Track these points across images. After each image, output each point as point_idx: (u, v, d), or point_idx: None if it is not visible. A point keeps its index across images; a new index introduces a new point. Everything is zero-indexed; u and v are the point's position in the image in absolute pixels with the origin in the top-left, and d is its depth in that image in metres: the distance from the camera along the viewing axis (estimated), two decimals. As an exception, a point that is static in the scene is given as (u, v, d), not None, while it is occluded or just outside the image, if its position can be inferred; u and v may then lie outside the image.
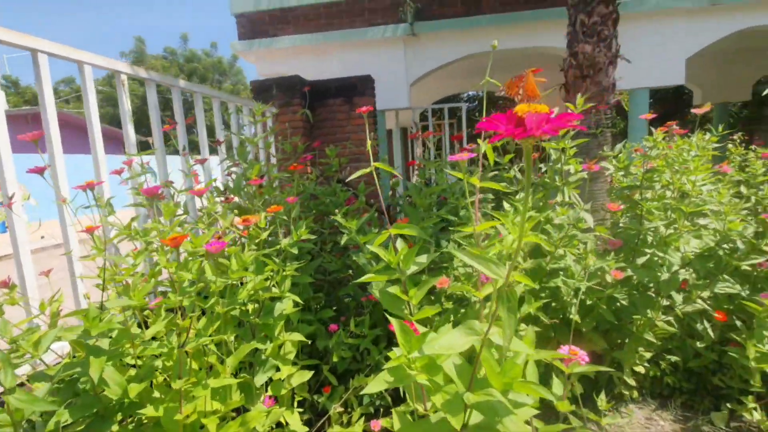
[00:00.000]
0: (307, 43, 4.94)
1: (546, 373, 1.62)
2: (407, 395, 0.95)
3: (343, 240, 1.31)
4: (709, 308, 1.68)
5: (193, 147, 2.18)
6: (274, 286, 1.30)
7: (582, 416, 1.38)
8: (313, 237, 1.34)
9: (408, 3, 4.75)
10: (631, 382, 1.85)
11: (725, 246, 1.55)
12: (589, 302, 1.68)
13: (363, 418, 1.50)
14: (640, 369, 1.85)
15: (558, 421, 1.20)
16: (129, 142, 1.76)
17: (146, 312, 1.16)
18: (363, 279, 0.93)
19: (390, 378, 0.75)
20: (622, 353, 1.80)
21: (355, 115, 3.71)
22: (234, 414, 1.16)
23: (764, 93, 2.01)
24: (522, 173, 1.86)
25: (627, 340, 1.81)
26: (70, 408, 0.90)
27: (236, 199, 1.71)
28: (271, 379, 1.37)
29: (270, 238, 1.90)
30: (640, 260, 1.70)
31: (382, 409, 1.67)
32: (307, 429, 1.28)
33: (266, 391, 1.31)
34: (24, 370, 1.16)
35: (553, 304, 1.82)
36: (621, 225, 1.89)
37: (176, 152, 2.02)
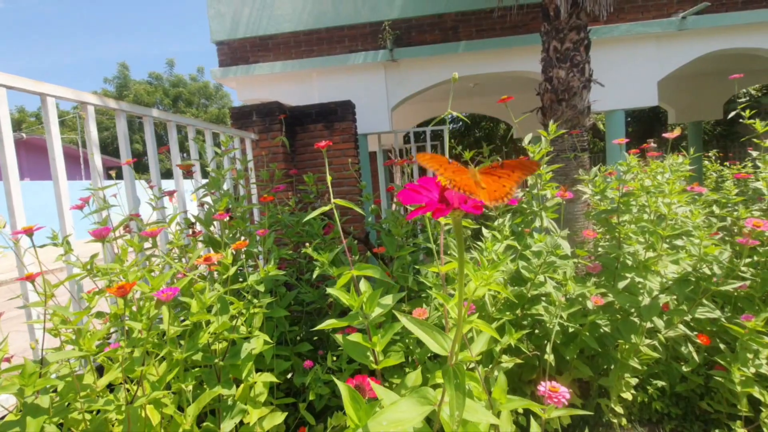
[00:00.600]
0: (288, 69, 4.98)
1: (525, 413, 1.56)
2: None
3: (315, 273, 1.26)
4: (691, 334, 1.66)
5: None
6: (242, 324, 1.24)
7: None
8: (281, 273, 1.28)
9: (387, 30, 4.85)
10: (619, 409, 1.80)
11: (703, 271, 1.54)
12: (571, 329, 1.64)
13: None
14: (628, 396, 1.81)
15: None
16: (96, 173, 1.70)
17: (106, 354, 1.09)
18: (322, 326, 0.88)
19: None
20: (608, 380, 1.76)
21: (336, 140, 3.70)
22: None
23: (730, 115, 2.05)
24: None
25: (612, 367, 1.77)
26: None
27: (207, 231, 1.65)
28: (242, 422, 1.29)
29: (248, 269, 1.83)
30: (621, 284, 1.68)
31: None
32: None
33: (236, 437, 1.23)
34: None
35: (536, 331, 1.79)
36: (600, 248, 1.88)
37: (164, 175, 1.96)
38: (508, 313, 1.58)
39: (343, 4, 5.04)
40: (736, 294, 1.75)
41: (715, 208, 2.07)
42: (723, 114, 7.98)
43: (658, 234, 1.55)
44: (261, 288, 1.19)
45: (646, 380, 1.91)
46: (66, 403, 0.88)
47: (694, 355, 1.75)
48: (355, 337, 0.84)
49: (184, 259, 1.66)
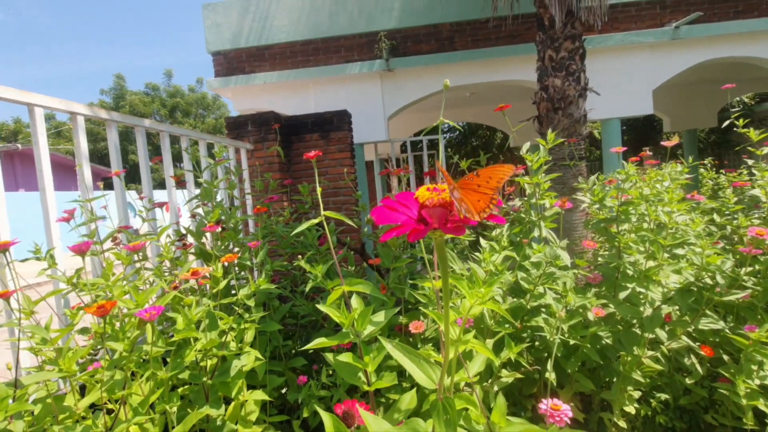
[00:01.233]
0: (284, 79, 4.98)
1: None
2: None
3: (309, 286, 1.22)
4: (694, 345, 1.62)
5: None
6: (233, 340, 1.19)
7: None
8: (273, 287, 1.24)
9: (383, 40, 4.87)
10: (622, 423, 1.76)
11: (706, 281, 1.51)
12: (572, 342, 1.60)
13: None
14: (631, 409, 1.77)
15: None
16: (84, 184, 1.66)
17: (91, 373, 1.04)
18: (311, 345, 0.84)
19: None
20: (611, 393, 1.72)
21: (333, 149, 3.68)
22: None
23: (725, 124, 2.04)
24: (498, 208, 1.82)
25: (615, 380, 1.73)
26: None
27: (198, 243, 1.61)
28: (232, 443, 1.24)
29: (242, 281, 1.79)
30: (622, 294, 1.65)
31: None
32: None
33: (225, 459, 1.18)
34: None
35: (536, 343, 1.74)
36: (600, 258, 1.85)
37: (157, 186, 1.92)
38: (507, 325, 1.54)
39: (339, 15, 5.06)
40: (738, 303, 1.72)
41: (715, 216, 2.05)
42: (717, 122, 8.04)
43: (658, 243, 1.52)
44: (251, 303, 1.15)
45: (649, 393, 1.87)
46: (42, 429, 0.83)
47: (698, 366, 1.71)
48: (345, 357, 0.80)
49: (176, 272, 1.62)
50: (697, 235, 1.62)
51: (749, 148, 2.05)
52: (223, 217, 1.59)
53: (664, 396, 1.83)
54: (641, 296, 1.64)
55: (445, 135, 15.99)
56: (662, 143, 1.61)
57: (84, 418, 0.96)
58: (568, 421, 0.94)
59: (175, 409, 0.89)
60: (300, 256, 1.35)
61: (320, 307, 0.89)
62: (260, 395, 1.23)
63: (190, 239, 1.71)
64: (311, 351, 1.96)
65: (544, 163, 1.75)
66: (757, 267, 1.73)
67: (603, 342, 1.67)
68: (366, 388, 0.77)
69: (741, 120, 2.00)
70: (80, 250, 1.04)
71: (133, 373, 1.01)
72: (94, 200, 1.41)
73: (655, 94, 4.87)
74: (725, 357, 1.68)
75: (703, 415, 1.80)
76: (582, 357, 1.66)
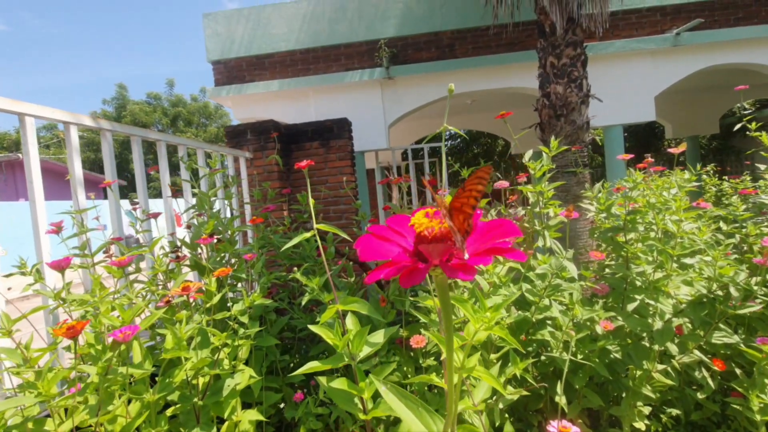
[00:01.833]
0: (284, 88, 4.97)
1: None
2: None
3: (305, 300, 1.17)
4: (706, 359, 1.56)
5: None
6: (226, 357, 1.14)
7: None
8: (267, 301, 1.20)
9: (383, 48, 4.86)
10: (632, 440, 1.69)
11: (718, 293, 1.46)
12: (580, 356, 1.54)
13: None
14: (641, 425, 1.70)
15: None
16: (75, 195, 1.62)
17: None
18: (301, 371, 0.78)
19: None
20: (620, 409, 1.65)
21: (333, 157, 3.65)
22: None
23: (736, 127, 2.00)
24: (499, 217, 1.77)
25: (624, 395, 1.67)
26: None
27: (192, 255, 1.56)
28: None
29: (238, 294, 1.74)
30: (630, 306, 1.59)
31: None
32: None
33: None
34: None
35: (542, 357, 1.69)
36: (607, 268, 1.80)
37: (158, 195, 1.89)
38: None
39: (339, 23, 5.07)
40: (749, 315, 1.67)
41: (722, 224, 2.00)
42: (719, 129, 8.00)
43: (667, 253, 1.47)
44: (245, 319, 1.10)
45: (659, 408, 1.80)
46: (19, 456, 0.78)
47: (709, 381, 1.65)
48: (339, 382, 0.74)
49: (170, 285, 1.57)
50: (708, 245, 1.57)
51: (762, 153, 2.00)
52: (219, 228, 1.55)
53: (674, 411, 1.77)
54: (650, 308, 1.59)
55: (446, 143, 16.02)
56: (669, 150, 1.57)
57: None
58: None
59: (161, 434, 0.85)
60: (296, 268, 1.30)
61: (312, 328, 0.84)
62: (255, 415, 1.18)
63: (185, 251, 1.66)
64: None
65: (547, 171, 1.71)
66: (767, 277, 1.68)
67: (611, 356, 1.61)
68: (362, 416, 0.72)
69: (753, 124, 1.96)
70: (59, 267, 1.00)
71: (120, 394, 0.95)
72: (84, 212, 1.37)
73: (657, 101, 4.85)
74: (737, 371, 1.62)
75: (716, 431, 1.73)
76: (590, 372, 1.60)
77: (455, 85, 4.89)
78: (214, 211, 1.77)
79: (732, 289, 1.38)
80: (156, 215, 1.60)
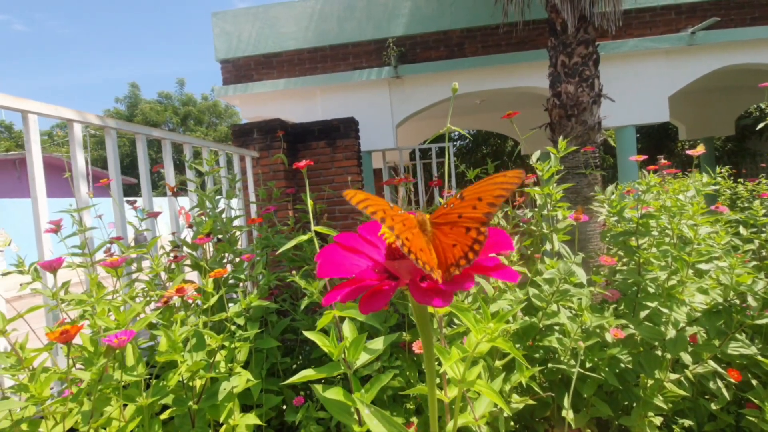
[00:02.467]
0: (292, 87, 4.96)
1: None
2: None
3: (304, 303, 1.14)
4: (721, 369, 1.50)
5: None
6: (223, 359, 1.12)
7: None
8: (265, 303, 1.17)
9: (392, 47, 4.82)
10: (643, 452, 1.64)
11: (735, 302, 1.40)
12: (589, 364, 1.49)
13: None
14: (651, 436, 1.65)
15: None
16: (79, 195, 1.62)
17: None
18: (294, 380, 0.75)
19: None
20: (630, 419, 1.60)
21: (339, 157, 3.63)
22: None
23: (759, 126, 1.92)
24: (506, 219, 1.73)
25: (634, 404, 1.61)
26: None
27: (191, 255, 1.54)
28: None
29: (239, 295, 1.72)
30: (642, 313, 1.54)
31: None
32: None
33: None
34: None
35: (549, 364, 1.64)
36: (618, 274, 1.74)
37: (164, 194, 1.88)
38: (518, 345, 1.44)
39: (348, 22, 5.04)
40: (767, 325, 1.61)
41: (741, 229, 1.93)
42: (734, 130, 7.82)
43: (683, 259, 1.42)
44: (240, 321, 1.08)
45: (671, 419, 1.74)
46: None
47: (724, 391, 1.59)
48: (334, 392, 0.71)
49: (170, 285, 1.55)
50: (725, 251, 1.51)
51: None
52: (218, 228, 1.53)
53: (687, 422, 1.71)
54: (663, 316, 1.53)
55: (454, 143, 15.91)
56: (688, 152, 1.51)
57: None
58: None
59: (153, 440, 0.82)
60: (293, 271, 1.28)
61: (308, 334, 0.81)
62: (252, 419, 1.15)
63: (186, 250, 1.64)
64: (313, 366, 1.88)
65: (555, 173, 1.66)
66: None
67: (622, 365, 1.56)
68: (357, 429, 0.69)
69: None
70: (51, 267, 0.98)
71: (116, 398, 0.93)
72: (85, 210, 1.35)
73: (670, 101, 4.74)
74: (754, 381, 1.56)
75: (731, 444, 1.67)
76: (599, 380, 1.55)
77: (464, 84, 4.84)
78: (219, 210, 1.75)
79: (750, 298, 1.32)
80: (156, 214, 1.59)
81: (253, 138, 3.46)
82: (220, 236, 1.56)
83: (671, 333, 1.47)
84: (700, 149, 1.45)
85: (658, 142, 13.05)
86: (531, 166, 1.69)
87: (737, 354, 1.57)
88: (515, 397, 1.34)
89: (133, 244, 1.49)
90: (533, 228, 1.63)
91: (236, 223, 2.27)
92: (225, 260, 1.57)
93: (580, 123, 3.07)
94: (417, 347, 1.36)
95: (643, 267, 1.61)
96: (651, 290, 1.55)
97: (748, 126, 9.45)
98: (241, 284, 1.74)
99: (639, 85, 4.65)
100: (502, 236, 0.28)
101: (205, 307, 1.09)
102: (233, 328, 1.21)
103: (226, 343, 1.15)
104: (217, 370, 1.03)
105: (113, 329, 0.87)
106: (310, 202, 0.92)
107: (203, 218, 1.54)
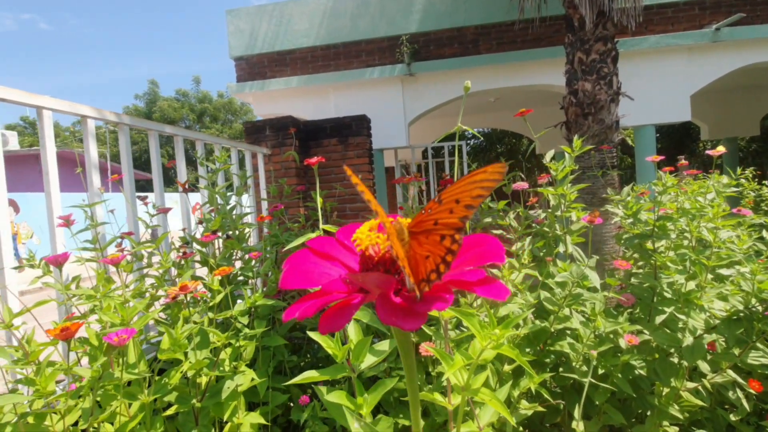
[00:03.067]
0: (304, 84, 4.96)
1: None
2: None
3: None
4: (740, 380, 1.45)
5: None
6: (227, 357, 1.12)
7: None
8: (270, 302, 1.16)
9: (405, 44, 4.78)
10: (657, 462, 1.59)
11: (757, 309, 1.34)
12: (601, 371, 1.45)
13: None
14: (666, 446, 1.60)
15: None
16: (92, 190, 1.63)
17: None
18: (296, 381, 0.74)
19: None
20: (644, 428, 1.55)
21: (351, 155, 3.62)
22: None
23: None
24: (518, 220, 1.69)
25: (648, 413, 1.57)
26: None
27: (200, 251, 1.55)
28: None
29: (248, 291, 1.72)
30: (658, 319, 1.49)
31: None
32: None
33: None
34: None
35: (561, 369, 1.60)
36: (633, 278, 1.69)
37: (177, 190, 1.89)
38: (528, 349, 1.41)
39: (361, 19, 5.02)
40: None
41: (765, 233, 1.85)
42: (760, 130, 7.56)
43: (702, 264, 1.36)
44: (244, 320, 1.07)
45: (687, 429, 1.69)
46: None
47: (744, 402, 1.53)
48: (336, 396, 0.70)
49: (179, 281, 1.56)
50: (746, 256, 1.45)
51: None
52: (228, 224, 1.53)
53: (704, 433, 1.65)
54: (680, 322, 1.48)
55: (468, 141, 15.77)
56: (708, 152, 1.45)
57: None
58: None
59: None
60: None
61: (311, 335, 0.80)
62: (257, 418, 1.15)
63: (196, 246, 1.65)
64: (321, 366, 1.87)
65: (570, 173, 1.61)
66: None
67: (636, 372, 1.51)
68: (356, 435, 0.68)
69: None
70: (56, 262, 0.99)
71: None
72: (97, 204, 1.37)
73: (692, 100, 4.60)
74: (776, 392, 1.50)
75: (750, 457, 1.61)
76: (612, 387, 1.51)
77: (478, 82, 4.78)
78: (230, 207, 1.76)
79: (773, 306, 1.26)
80: (166, 210, 1.60)
81: (266, 135, 3.47)
82: (229, 233, 1.56)
83: (688, 340, 1.41)
84: (720, 149, 1.39)
85: (678, 142, 12.73)
86: (545, 165, 1.65)
87: (758, 364, 1.51)
88: (524, 403, 1.31)
89: (145, 239, 1.50)
90: (546, 229, 1.59)
91: (246, 220, 2.28)
92: (234, 257, 1.57)
93: (597, 122, 2.99)
94: (423, 350, 1.34)
95: (659, 271, 1.56)
96: (668, 295, 1.50)
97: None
98: (250, 281, 1.74)
99: (660, 83, 4.52)
100: (492, 244, 0.25)
101: (210, 304, 1.09)
102: (239, 326, 1.21)
103: (232, 341, 1.15)
104: (221, 368, 1.03)
105: (118, 326, 0.87)
106: (319, 200, 0.91)
107: (212, 215, 1.55)
